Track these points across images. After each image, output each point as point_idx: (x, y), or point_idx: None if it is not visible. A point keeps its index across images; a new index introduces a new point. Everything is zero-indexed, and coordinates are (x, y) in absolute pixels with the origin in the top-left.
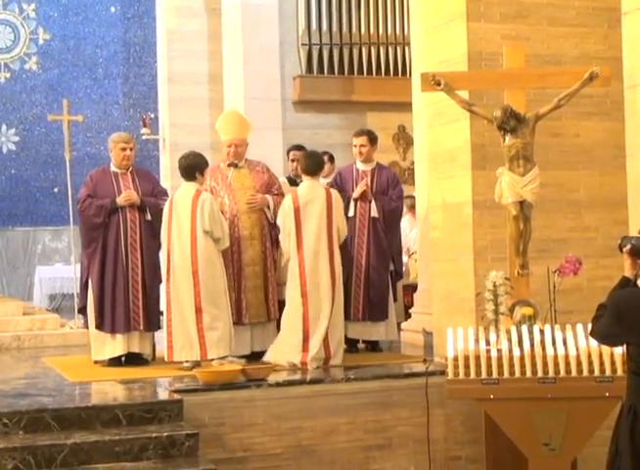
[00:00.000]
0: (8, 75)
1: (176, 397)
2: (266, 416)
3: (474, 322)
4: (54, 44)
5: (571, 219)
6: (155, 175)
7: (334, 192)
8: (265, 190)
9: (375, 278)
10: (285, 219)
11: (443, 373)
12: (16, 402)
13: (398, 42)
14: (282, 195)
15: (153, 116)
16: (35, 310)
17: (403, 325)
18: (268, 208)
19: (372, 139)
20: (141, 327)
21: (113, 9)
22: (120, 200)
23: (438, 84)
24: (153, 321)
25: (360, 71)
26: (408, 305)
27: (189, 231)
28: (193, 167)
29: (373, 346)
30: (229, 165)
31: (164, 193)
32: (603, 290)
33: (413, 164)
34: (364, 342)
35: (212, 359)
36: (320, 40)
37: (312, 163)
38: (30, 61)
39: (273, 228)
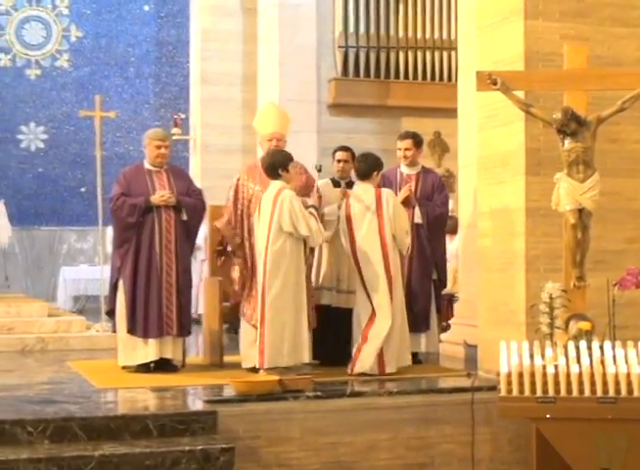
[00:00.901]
0: (39, 72)
1: (210, 408)
2: (303, 430)
3: (524, 336)
4: (86, 42)
5: (630, 230)
6: (188, 174)
7: (388, 195)
8: (304, 192)
9: (417, 287)
10: (340, 227)
11: (491, 389)
12: (41, 410)
13: (436, 47)
14: (319, 197)
15: (184, 116)
16: (60, 312)
17: (442, 337)
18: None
19: (417, 142)
20: (174, 332)
21: (146, 7)
22: (155, 199)
23: (495, 83)
24: (185, 326)
25: (396, 76)
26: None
27: (267, 230)
28: (276, 165)
29: (412, 357)
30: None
31: (199, 193)
32: None
33: (448, 171)
34: None
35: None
36: (357, 43)
37: (367, 166)
38: (62, 58)
39: None
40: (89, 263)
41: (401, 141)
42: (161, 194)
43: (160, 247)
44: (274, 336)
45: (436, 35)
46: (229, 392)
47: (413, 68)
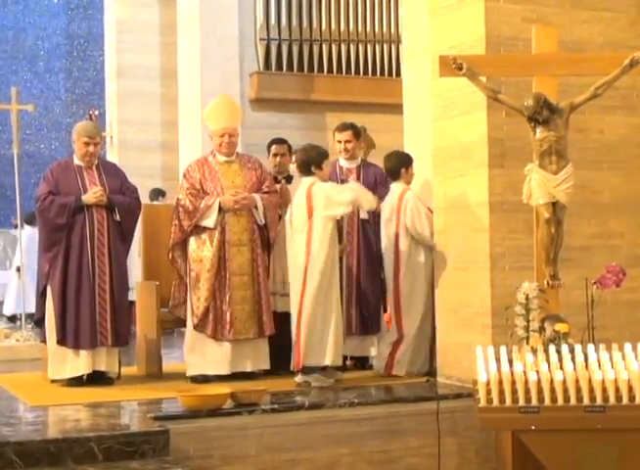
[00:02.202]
0: None
1: (161, 426)
2: (259, 447)
3: (490, 339)
4: None
5: (595, 225)
6: (122, 170)
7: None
8: (256, 189)
9: (366, 287)
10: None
11: (456, 396)
12: None
13: (360, 39)
14: (274, 192)
15: (98, 112)
16: None
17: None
18: (256, 208)
19: (357, 133)
20: (109, 342)
21: None
22: (88, 197)
23: (460, 68)
24: (121, 335)
25: (320, 69)
26: None
27: (304, 227)
28: (309, 162)
29: (362, 363)
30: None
31: (134, 190)
32: (629, 304)
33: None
34: (352, 358)
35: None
36: (279, 35)
37: (391, 164)
38: None
39: (263, 232)
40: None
41: (340, 133)
42: (94, 191)
43: (92, 250)
44: (310, 335)
45: (360, 28)
46: (176, 407)
47: (337, 61)
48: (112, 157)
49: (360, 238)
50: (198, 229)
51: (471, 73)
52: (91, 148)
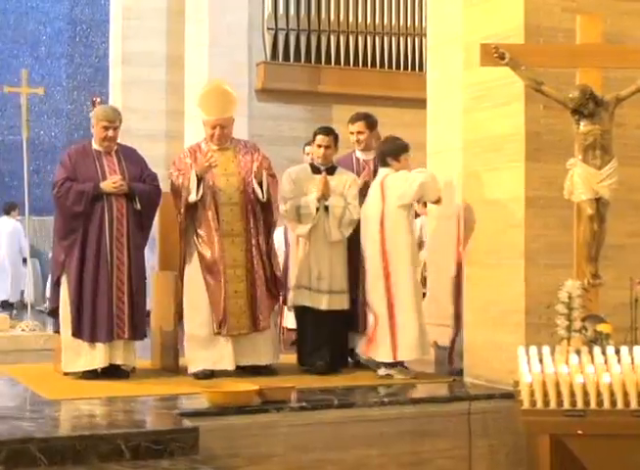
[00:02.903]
0: None
1: (191, 424)
2: (287, 446)
3: (523, 338)
4: None
5: (632, 223)
6: (142, 157)
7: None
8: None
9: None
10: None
11: (488, 397)
12: None
13: (369, 31)
14: (274, 176)
15: (100, 100)
16: None
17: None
18: (260, 185)
19: (370, 124)
20: (125, 335)
21: None
22: (107, 185)
23: (502, 58)
24: (139, 328)
25: (327, 61)
26: None
27: (378, 218)
28: (385, 154)
29: None
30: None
31: (154, 178)
32: None
33: None
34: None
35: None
36: (287, 25)
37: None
38: None
39: (258, 221)
40: None
41: (352, 124)
42: (113, 180)
43: (111, 239)
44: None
45: (369, 20)
46: (201, 403)
47: (345, 52)
48: None
49: None
50: (197, 223)
51: (513, 63)
52: (110, 132)
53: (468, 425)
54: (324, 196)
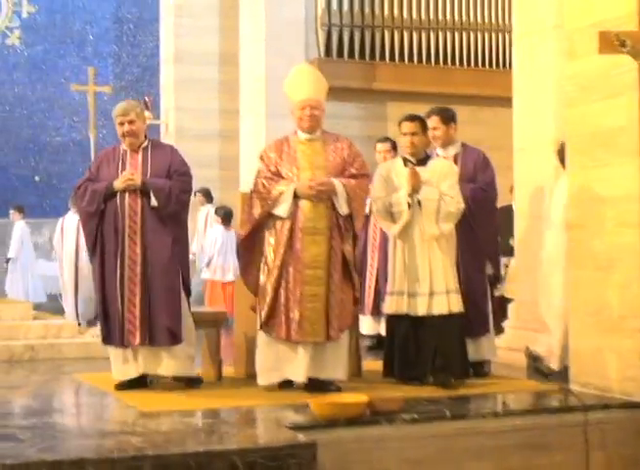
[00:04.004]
0: None
1: (305, 438)
2: (400, 461)
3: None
4: (39, 18)
5: None
6: (179, 151)
7: None
8: (340, 171)
9: (470, 284)
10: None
11: (604, 407)
12: (98, 444)
13: (424, 27)
14: (364, 176)
15: (148, 99)
16: (45, 314)
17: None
18: (336, 195)
19: (445, 118)
20: (137, 341)
21: None
22: (118, 182)
23: (623, 45)
24: (157, 333)
25: (382, 57)
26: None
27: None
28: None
29: (475, 368)
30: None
31: (183, 173)
32: None
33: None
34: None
35: None
36: (340, 21)
37: None
38: (12, 36)
39: (347, 219)
40: (46, 259)
41: (427, 120)
42: (124, 175)
43: (123, 238)
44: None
45: (424, 15)
46: (306, 414)
47: (399, 49)
48: None
49: (459, 231)
50: (270, 218)
51: (635, 51)
52: (126, 127)
53: (584, 437)
54: (415, 190)
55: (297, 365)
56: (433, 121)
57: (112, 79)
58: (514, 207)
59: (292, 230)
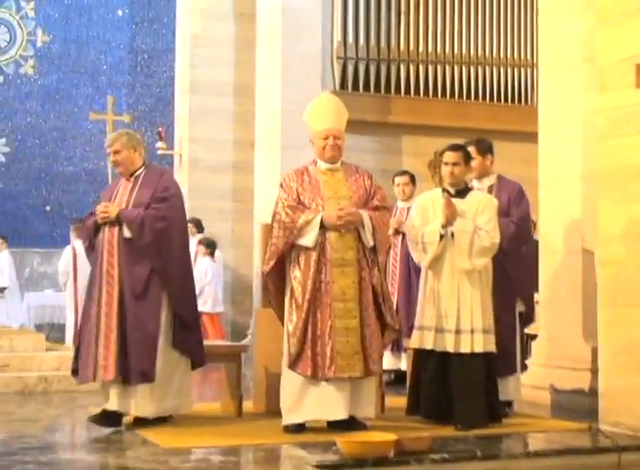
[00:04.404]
0: (1, 79)
1: None
2: None
3: None
4: (53, 47)
5: None
6: (169, 176)
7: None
8: (364, 202)
9: (498, 323)
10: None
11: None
12: None
13: (439, 60)
14: (385, 208)
15: (162, 129)
16: (58, 345)
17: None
18: (363, 227)
19: (482, 149)
20: (110, 376)
21: (120, 12)
22: (98, 216)
23: None
24: (132, 370)
25: (397, 90)
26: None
27: None
28: None
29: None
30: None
31: (162, 199)
32: None
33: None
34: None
35: None
36: (356, 54)
37: None
38: (27, 64)
39: (373, 250)
40: (55, 289)
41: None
42: (98, 208)
43: (101, 272)
44: None
45: (439, 49)
46: (333, 452)
47: (415, 82)
48: (180, 176)
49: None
50: (294, 249)
51: None
52: (112, 157)
53: None
54: (449, 221)
55: (333, 403)
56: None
57: (125, 109)
58: (539, 241)
59: (318, 262)
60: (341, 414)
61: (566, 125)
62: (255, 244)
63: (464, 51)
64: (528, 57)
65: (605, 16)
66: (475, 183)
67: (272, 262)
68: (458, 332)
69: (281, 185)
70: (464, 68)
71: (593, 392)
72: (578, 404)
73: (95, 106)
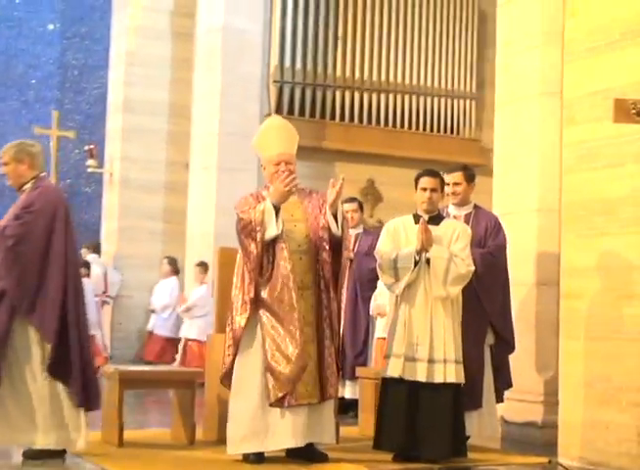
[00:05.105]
0: None
1: None
2: None
3: (636, 418)
4: None
5: None
6: (40, 192)
7: None
8: (320, 225)
9: (467, 353)
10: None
11: None
12: None
13: (374, 88)
14: (345, 219)
15: (91, 147)
16: None
17: None
18: (335, 218)
19: (469, 176)
20: None
21: (51, 26)
22: None
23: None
24: None
25: (332, 117)
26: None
27: None
28: None
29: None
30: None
31: (17, 216)
32: None
33: (380, 221)
34: None
35: None
36: (293, 79)
37: None
38: None
39: (328, 273)
40: None
41: (449, 174)
42: None
43: None
44: None
45: (375, 76)
46: None
47: (350, 109)
48: (111, 195)
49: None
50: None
51: None
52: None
53: None
54: (424, 247)
55: (291, 431)
56: (456, 177)
57: (53, 125)
58: None
59: (282, 285)
60: (298, 442)
61: (523, 158)
62: (214, 268)
63: (399, 80)
64: (467, 88)
65: (573, 49)
66: (452, 210)
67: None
68: (431, 361)
69: (235, 207)
70: (398, 96)
71: (546, 424)
72: (531, 437)
73: (22, 120)
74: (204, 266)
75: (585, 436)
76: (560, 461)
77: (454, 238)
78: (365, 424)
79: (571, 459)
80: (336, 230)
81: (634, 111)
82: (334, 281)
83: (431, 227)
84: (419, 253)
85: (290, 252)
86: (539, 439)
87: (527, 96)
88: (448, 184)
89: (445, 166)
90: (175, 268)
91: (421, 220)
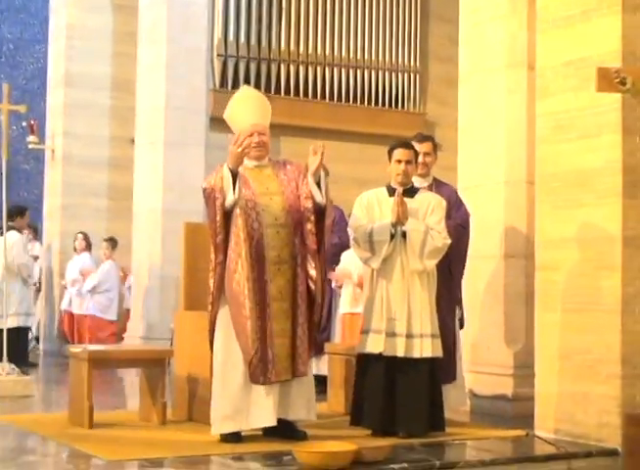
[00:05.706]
0: None
1: None
2: None
3: (616, 390)
4: None
5: None
6: None
7: None
8: (296, 197)
9: (443, 329)
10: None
11: (587, 455)
12: None
13: (319, 62)
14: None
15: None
16: None
17: None
18: (319, 186)
19: (435, 146)
20: None
21: None
22: None
23: (623, 83)
24: None
25: (277, 91)
26: None
27: None
28: None
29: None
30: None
31: None
32: None
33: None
34: None
35: None
36: (237, 52)
37: None
38: None
39: (307, 246)
40: None
41: (420, 144)
42: None
43: None
44: None
45: (319, 50)
46: (289, 462)
47: (295, 83)
48: (53, 173)
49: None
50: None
51: (636, 90)
52: None
53: None
54: (400, 220)
55: (265, 409)
56: (425, 147)
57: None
58: None
59: (258, 260)
60: (270, 420)
61: (488, 131)
62: (180, 243)
63: (344, 53)
64: (412, 62)
65: (546, 18)
66: (415, 182)
67: (220, 238)
68: (409, 336)
69: (203, 188)
70: (343, 70)
71: (516, 397)
72: (500, 410)
73: None
74: (112, 242)
75: (562, 408)
76: (537, 434)
77: (429, 211)
78: (334, 400)
79: (548, 431)
80: (320, 199)
81: (617, 80)
82: (318, 252)
83: (406, 200)
84: (394, 225)
85: (266, 226)
86: (509, 412)
87: (493, 68)
88: (418, 154)
89: (390, 140)
90: (89, 243)
91: (397, 193)
